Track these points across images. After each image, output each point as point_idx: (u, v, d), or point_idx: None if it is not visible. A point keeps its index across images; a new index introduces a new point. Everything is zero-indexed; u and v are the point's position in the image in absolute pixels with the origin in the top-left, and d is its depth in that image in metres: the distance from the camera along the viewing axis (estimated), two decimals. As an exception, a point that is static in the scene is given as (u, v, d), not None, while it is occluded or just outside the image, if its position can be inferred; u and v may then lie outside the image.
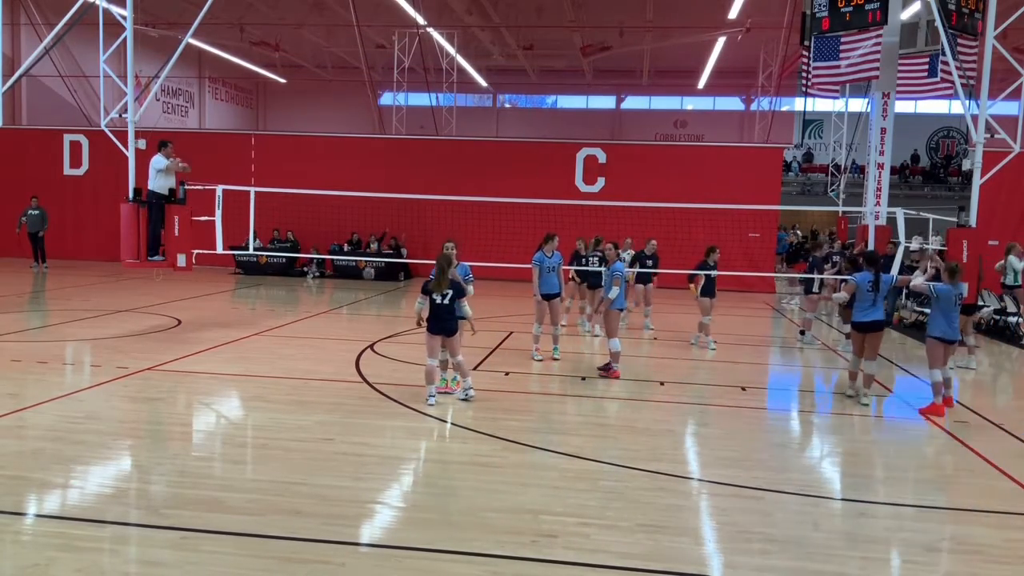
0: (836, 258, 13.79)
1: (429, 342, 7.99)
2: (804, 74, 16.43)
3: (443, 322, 7.92)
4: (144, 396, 8.05)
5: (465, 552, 4.64)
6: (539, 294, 10.78)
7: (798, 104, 34.68)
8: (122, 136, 12.51)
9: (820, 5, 15.15)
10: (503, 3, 28.67)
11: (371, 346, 11.18)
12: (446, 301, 7.85)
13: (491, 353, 11.06)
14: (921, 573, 4.68)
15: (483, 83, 37.35)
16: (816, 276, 12.58)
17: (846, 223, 24.04)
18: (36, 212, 20.43)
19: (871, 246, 12.75)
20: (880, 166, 17.93)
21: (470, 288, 8.48)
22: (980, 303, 14.48)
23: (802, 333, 12.93)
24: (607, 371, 9.73)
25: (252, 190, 13.47)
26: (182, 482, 5.63)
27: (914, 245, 14.56)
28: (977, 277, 11.50)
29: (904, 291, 14.91)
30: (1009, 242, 13.67)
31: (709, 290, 12.08)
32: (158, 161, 11.68)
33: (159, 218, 11.97)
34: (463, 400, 8.10)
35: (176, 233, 11.97)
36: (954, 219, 14.33)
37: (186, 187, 12.17)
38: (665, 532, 5.03)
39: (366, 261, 21.41)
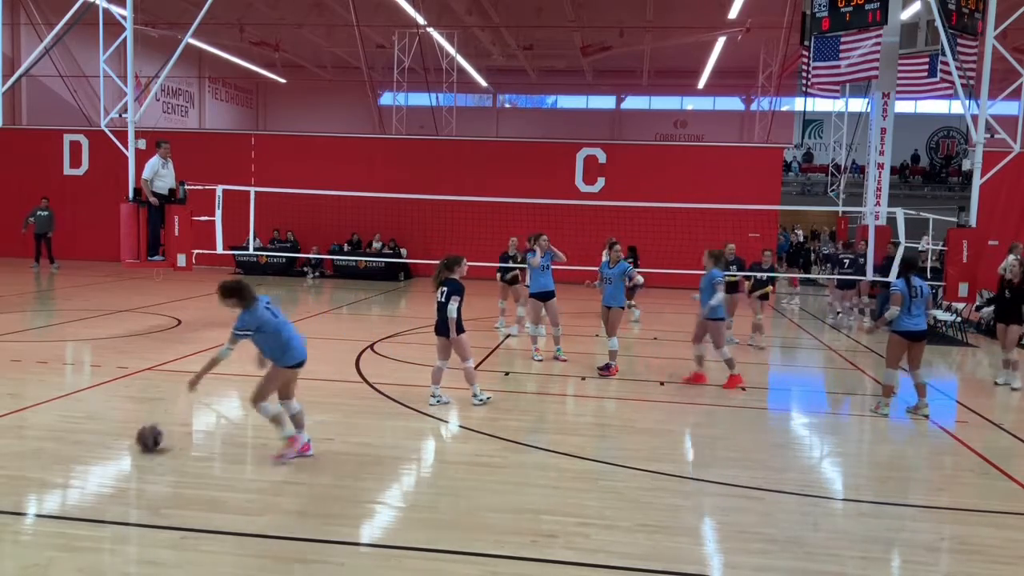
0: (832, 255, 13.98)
1: (436, 342, 8.01)
2: (804, 74, 16.44)
3: (439, 322, 7.88)
4: (144, 396, 8.05)
5: (465, 552, 4.64)
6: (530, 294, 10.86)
7: (798, 104, 34.68)
8: (122, 136, 12.54)
9: (820, 5, 15.15)
10: (503, 3, 28.66)
11: (371, 346, 11.17)
12: (441, 299, 7.76)
13: (491, 353, 11.06)
14: (921, 573, 4.68)
15: (483, 83, 37.35)
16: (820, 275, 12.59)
17: (846, 223, 24.02)
18: (46, 213, 20.36)
19: (871, 247, 12.74)
20: (880, 166, 17.93)
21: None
22: (979, 303, 14.49)
23: (838, 314, 14.99)
24: (606, 370, 9.75)
25: (252, 190, 13.50)
26: (182, 482, 5.62)
27: (922, 246, 14.67)
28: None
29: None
30: (1012, 242, 13.67)
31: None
32: (147, 168, 11.73)
33: (159, 218, 12.00)
34: (479, 403, 7.96)
35: (176, 233, 11.99)
36: (954, 219, 14.35)
37: (186, 187, 12.19)
38: (665, 532, 5.03)
39: (365, 261, 21.42)
